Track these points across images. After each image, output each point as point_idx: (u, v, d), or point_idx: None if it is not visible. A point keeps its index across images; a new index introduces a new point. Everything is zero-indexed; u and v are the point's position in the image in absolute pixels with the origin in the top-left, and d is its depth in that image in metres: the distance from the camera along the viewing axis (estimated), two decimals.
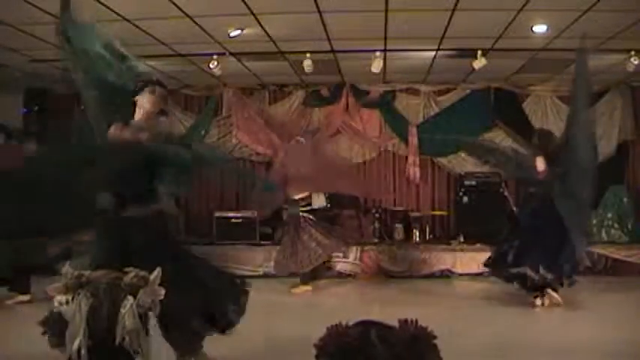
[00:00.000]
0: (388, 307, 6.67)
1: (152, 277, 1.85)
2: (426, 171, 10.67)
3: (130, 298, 1.75)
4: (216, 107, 10.86)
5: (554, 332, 5.39)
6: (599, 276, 8.53)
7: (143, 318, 1.78)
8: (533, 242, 6.40)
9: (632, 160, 10.43)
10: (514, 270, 6.49)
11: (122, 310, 1.73)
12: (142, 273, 1.85)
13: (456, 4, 6.34)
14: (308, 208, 7.80)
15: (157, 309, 1.82)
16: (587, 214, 7.07)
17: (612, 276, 8.53)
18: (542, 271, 6.25)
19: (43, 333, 2.28)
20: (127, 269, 1.94)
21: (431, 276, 8.68)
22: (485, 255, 8.75)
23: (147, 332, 1.78)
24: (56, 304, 1.82)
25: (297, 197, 7.78)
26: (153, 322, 1.83)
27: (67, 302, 1.79)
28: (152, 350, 1.81)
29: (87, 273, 1.91)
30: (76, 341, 1.75)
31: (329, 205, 10.01)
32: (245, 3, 6.31)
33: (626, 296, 7.39)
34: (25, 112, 10.60)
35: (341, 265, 8.85)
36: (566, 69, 9.19)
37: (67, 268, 1.88)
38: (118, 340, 1.71)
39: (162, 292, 1.84)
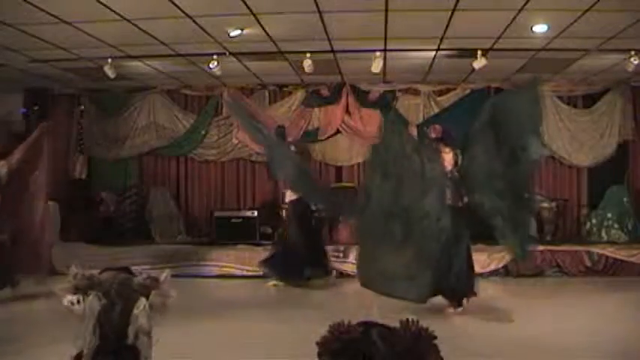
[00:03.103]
0: (388, 307, 6.67)
1: (162, 278, 1.87)
2: None
3: (144, 299, 1.78)
4: (216, 107, 10.87)
5: (554, 332, 5.39)
6: (599, 276, 8.54)
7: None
8: None
9: (632, 160, 10.44)
10: None
11: (135, 311, 1.76)
12: (153, 275, 1.88)
13: (456, 4, 6.34)
14: None
15: (165, 311, 1.85)
16: None
17: (612, 276, 8.53)
18: None
19: None
20: (135, 270, 1.96)
21: None
22: (485, 255, 8.80)
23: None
24: (65, 303, 1.83)
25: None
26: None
27: (78, 302, 1.81)
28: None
29: (96, 274, 1.92)
30: (85, 342, 1.76)
31: None
32: (245, 3, 6.31)
33: (626, 296, 7.39)
34: (25, 112, 10.61)
35: (341, 265, 8.84)
36: (565, 69, 9.21)
37: (73, 269, 1.89)
38: (130, 340, 1.73)
39: (174, 293, 1.86)
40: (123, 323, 1.74)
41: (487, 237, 9.23)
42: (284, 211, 8.56)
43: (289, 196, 8.05)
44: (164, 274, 1.89)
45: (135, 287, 1.82)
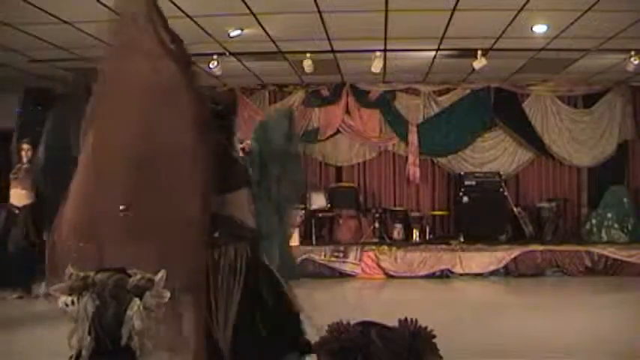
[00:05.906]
0: (388, 307, 6.67)
1: (157, 279, 1.87)
2: (426, 171, 10.67)
3: (137, 300, 1.77)
4: None
5: (555, 332, 5.39)
6: (599, 276, 8.54)
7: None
8: None
9: (632, 160, 10.43)
10: None
11: (129, 312, 1.75)
12: (148, 275, 1.87)
13: (456, 4, 6.34)
14: None
15: (160, 311, 1.84)
16: None
17: (612, 276, 8.53)
18: None
19: None
20: (131, 271, 1.96)
21: (431, 276, 8.68)
22: (485, 255, 8.80)
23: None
24: (60, 304, 1.83)
25: None
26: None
27: (73, 303, 1.81)
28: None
29: (92, 274, 1.92)
30: (81, 342, 1.76)
31: (329, 206, 10.04)
32: (245, 3, 6.31)
33: (626, 296, 7.38)
34: (20, 112, 10.55)
35: (341, 265, 8.84)
36: (565, 69, 9.20)
37: (69, 269, 1.89)
38: (124, 341, 1.73)
39: (168, 294, 1.86)
40: (116, 324, 1.73)
41: (487, 237, 9.35)
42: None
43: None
44: (159, 275, 1.88)
45: (129, 288, 1.81)
